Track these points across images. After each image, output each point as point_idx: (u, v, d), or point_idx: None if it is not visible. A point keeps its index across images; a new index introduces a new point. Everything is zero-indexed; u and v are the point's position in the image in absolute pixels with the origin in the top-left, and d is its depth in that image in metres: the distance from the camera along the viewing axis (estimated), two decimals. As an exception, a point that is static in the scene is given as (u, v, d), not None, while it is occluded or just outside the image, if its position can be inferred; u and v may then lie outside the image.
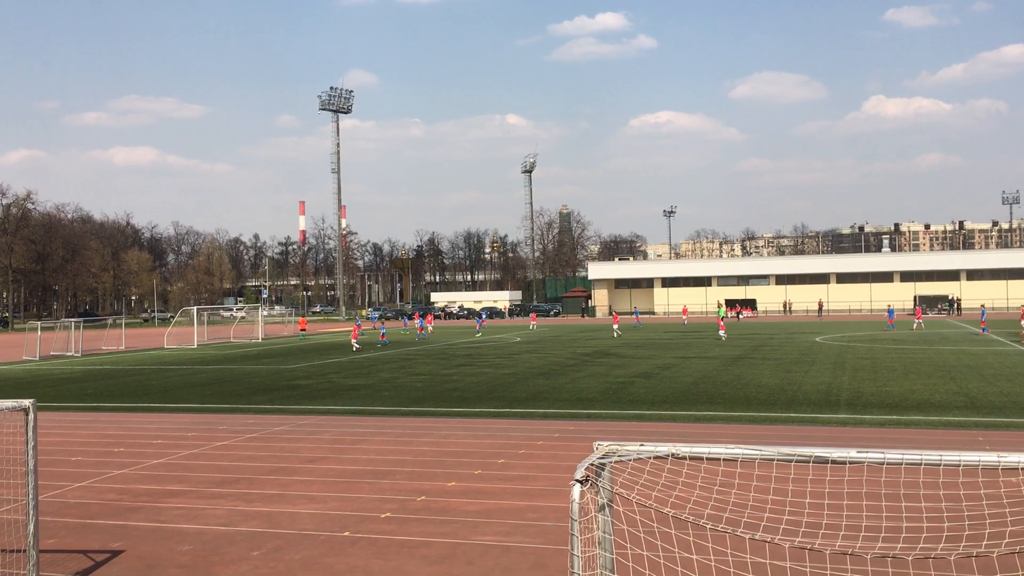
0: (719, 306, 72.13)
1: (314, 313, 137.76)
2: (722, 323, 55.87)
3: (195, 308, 69.01)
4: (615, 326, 61.70)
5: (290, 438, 19.95)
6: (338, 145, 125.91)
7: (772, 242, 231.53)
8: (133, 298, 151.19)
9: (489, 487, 14.43)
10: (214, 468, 16.61)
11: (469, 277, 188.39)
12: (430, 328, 72.35)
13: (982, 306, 66.84)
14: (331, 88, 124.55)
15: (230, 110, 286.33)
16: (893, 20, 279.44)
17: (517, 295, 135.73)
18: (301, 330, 71.09)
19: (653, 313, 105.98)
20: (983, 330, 54.02)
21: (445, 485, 14.63)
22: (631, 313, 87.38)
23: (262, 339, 65.68)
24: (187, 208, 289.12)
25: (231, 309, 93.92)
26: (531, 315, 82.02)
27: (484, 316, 74.08)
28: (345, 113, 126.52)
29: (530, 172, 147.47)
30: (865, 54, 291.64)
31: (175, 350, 55.92)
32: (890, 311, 64.56)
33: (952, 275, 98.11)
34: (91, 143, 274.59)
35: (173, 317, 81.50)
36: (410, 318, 71.65)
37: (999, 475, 5.20)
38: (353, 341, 51.67)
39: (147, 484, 15.34)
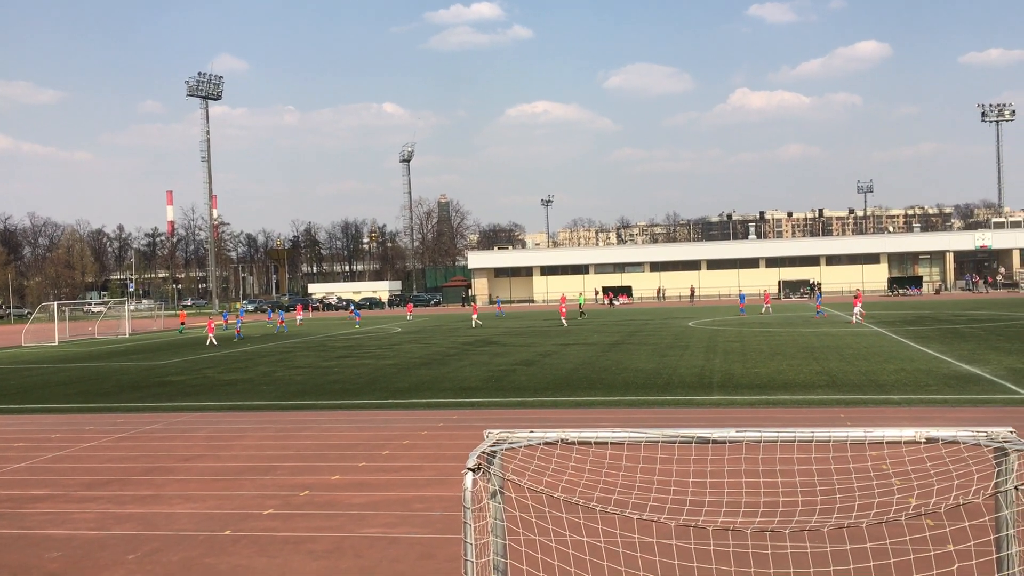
0: (580, 295, 75.26)
1: (185, 306, 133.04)
2: (563, 310, 59.14)
3: (55, 303, 65.51)
4: (474, 316, 61.58)
5: (163, 436, 19.24)
6: (208, 132, 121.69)
7: (646, 230, 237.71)
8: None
9: (374, 479, 14.32)
10: (82, 470, 15.86)
11: (348, 268, 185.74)
12: (298, 320, 71.27)
13: (818, 289, 71.30)
14: (199, 73, 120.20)
15: (89, 95, 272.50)
16: (757, 15, 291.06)
17: (397, 285, 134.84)
18: (180, 323, 68.21)
19: (533, 301, 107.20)
20: (818, 313, 57.39)
21: (329, 479, 14.43)
22: (501, 302, 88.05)
23: (130, 335, 62.96)
24: (44, 198, 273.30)
25: (96, 304, 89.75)
26: (407, 305, 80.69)
27: (353, 307, 72.54)
28: (215, 99, 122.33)
29: (408, 161, 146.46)
30: (730, 48, 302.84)
31: (34, 348, 52.94)
32: (741, 296, 67.69)
33: (813, 260, 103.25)
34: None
35: (31, 313, 77.15)
36: (281, 310, 69.75)
37: (865, 449, 5.53)
38: (209, 336, 49.89)
39: (9, 489, 14.50)
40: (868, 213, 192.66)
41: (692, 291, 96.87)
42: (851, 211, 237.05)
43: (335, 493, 13.45)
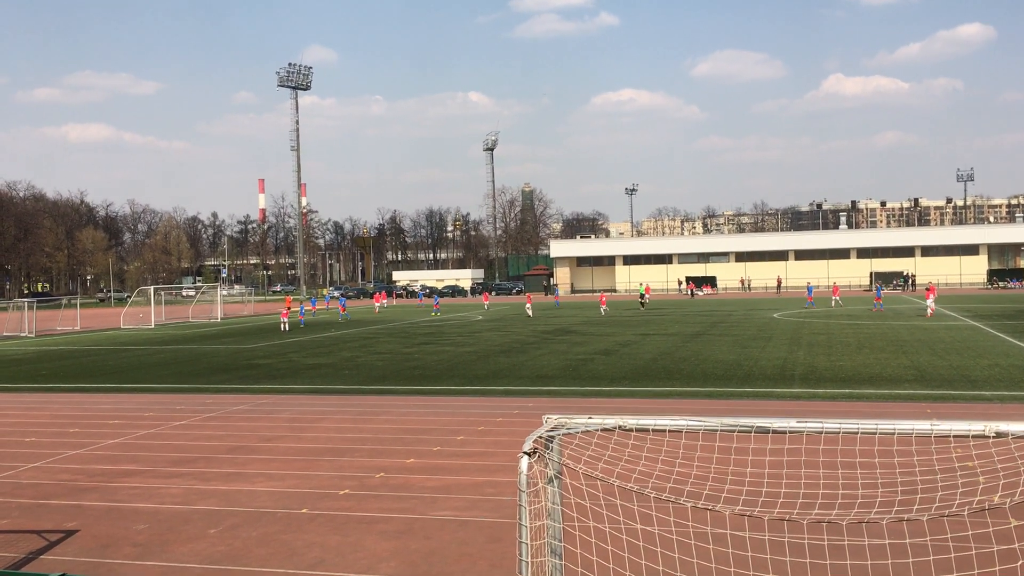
0: (641, 285, 75.42)
1: (274, 292, 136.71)
2: (603, 298, 61.01)
3: (152, 288, 68.13)
4: (528, 305, 60.77)
5: (248, 417, 19.89)
6: (297, 122, 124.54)
7: (732, 219, 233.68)
8: (88, 278, 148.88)
9: (447, 463, 14.54)
10: (171, 448, 16.53)
11: (431, 256, 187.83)
12: (376, 307, 72.54)
13: (807, 283, 69.30)
14: (289, 64, 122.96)
15: (186, 86, 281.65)
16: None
17: (479, 273, 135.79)
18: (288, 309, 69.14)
19: (615, 291, 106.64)
20: (808, 304, 59.35)
21: (404, 462, 14.71)
22: (598, 291, 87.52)
23: (221, 319, 65.08)
24: (143, 186, 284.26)
25: (191, 288, 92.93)
26: (483, 294, 79.60)
27: (436, 299, 72.83)
28: (304, 90, 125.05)
29: (492, 150, 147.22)
30: (824, 33, 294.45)
31: (132, 330, 55.22)
32: (809, 288, 65.26)
33: (907, 252, 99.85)
34: (43, 119, 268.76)
35: (130, 297, 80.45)
36: (342, 298, 70.53)
37: (932, 443, 5.39)
38: (283, 320, 51.09)
39: (102, 464, 15.23)
40: (968, 203, 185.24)
41: (779, 282, 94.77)
42: (949, 200, 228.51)
43: (409, 476, 13.72)
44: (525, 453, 5.58)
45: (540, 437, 5.75)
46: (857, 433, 5.32)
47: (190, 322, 62.66)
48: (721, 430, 5.47)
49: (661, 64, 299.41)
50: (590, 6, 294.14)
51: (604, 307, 59.59)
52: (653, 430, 5.54)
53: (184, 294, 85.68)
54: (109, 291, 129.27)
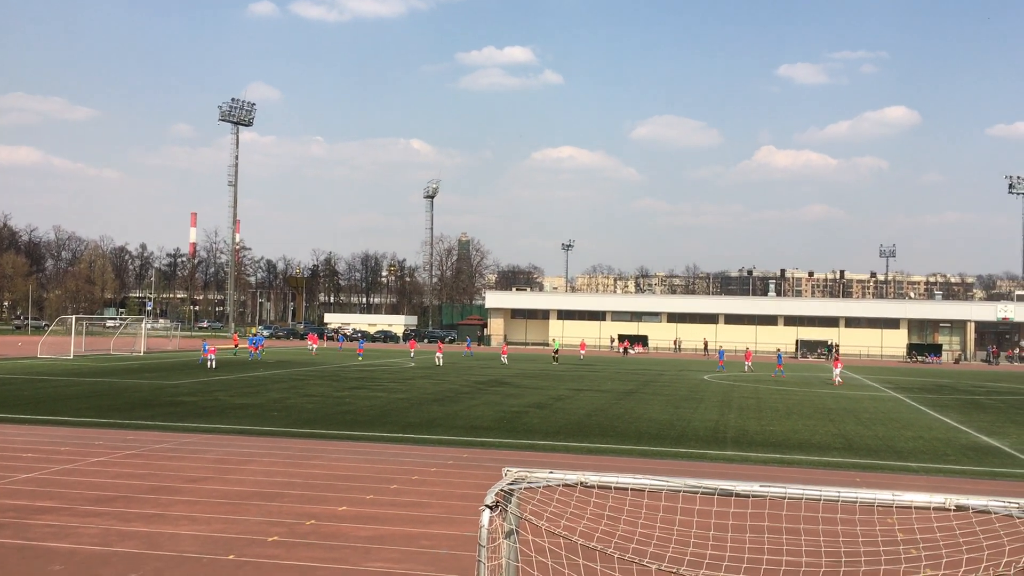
0: (555, 341, 77.71)
1: (201, 328, 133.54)
2: (504, 350, 66.21)
3: (73, 317, 65.88)
4: (438, 355, 61.11)
5: (172, 456, 19.16)
6: (236, 157, 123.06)
7: (665, 280, 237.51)
8: (6, 304, 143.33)
9: (381, 512, 14.16)
10: (89, 485, 15.79)
11: (365, 300, 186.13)
12: (312, 348, 71.69)
13: (720, 347, 71.68)
14: (232, 99, 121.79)
15: (122, 115, 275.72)
16: (786, 75, 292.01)
17: (413, 320, 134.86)
18: (234, 346, 66.65)
19: (548, 344, 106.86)
20: (719, 368, 61.41)
21: (336, 509, 14.28)
22: (531, 344, 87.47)
23: (144, 352, 63.16)
24: (70, 213, 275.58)
25: (113, 319, 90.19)
26: (410, 342, 76.71)
27: (362, 343, 73.36)
28: (246, 125, 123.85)
29: (432, 198, 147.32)
30: (758, 106, 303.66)
31: (49, 360, 53.18)
32: (720, 352, 66.29)
33: (832, 321, 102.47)
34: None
35: (49, 326, 77.64)
36: (258, 337, 68.58)
37: (892, 514, 5.38)
38: (210, 357, 49.59)
39: (15, 499, 14.44)
40: (889, 278, 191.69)
41: (705, 344, 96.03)
42: (872, 275, 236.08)
43: (341, 524, 13.30)
44: (487, 506, 5.40)
45: (501, 490, 5.59)
46: (819, 499, 5.29)
47: (111, 354, 60.66)
48: (685, 491, 5.38)
49: (602, 124, 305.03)
50: (535, 64, 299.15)
51: (504, 357, 64.49)
52: (615, 488, 5.44)
53: (107, 325, 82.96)
54: (27, 318, 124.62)
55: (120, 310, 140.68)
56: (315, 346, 73.96)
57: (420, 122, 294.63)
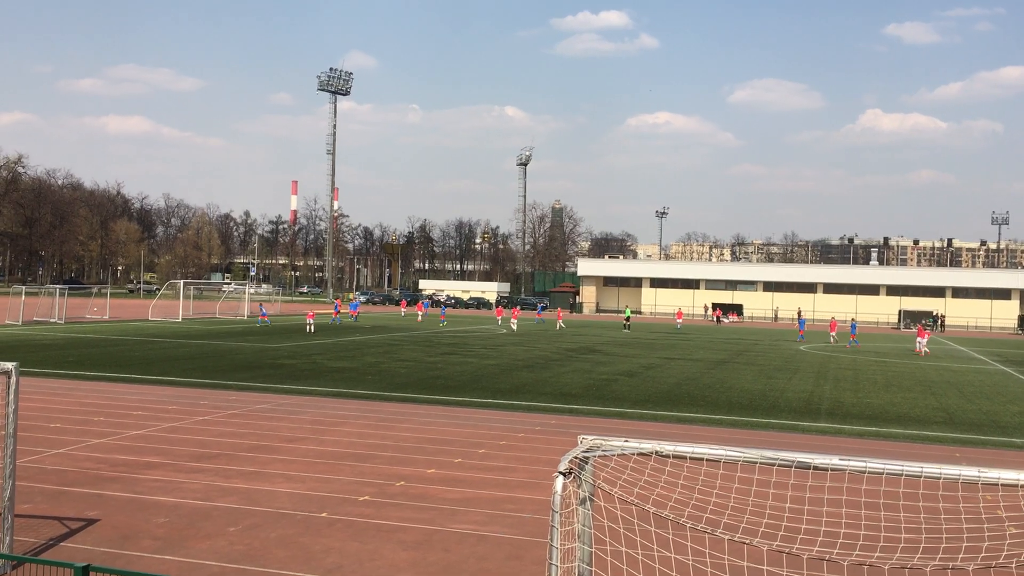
0: (627, 308, 74.43)
1: (301, 294, 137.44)
2: (513, 313, 62.17)
3: (182, 282, 68.68)
4: (513, 320, 61.52)
5: (271, 416, 19.91)
6: (334, 126, 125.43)
7: (762, 249, 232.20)
8: (120, 268, 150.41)
9: (468, 476, 14.45)
10: (194, 442, 16.57)
11: (458, 266, 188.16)
12: (419, 316, 72.20)
13: (800, 315, 68.43)
14: (330, 69, 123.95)
15: (226, 85, 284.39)
16: (894, 35, 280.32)
17: (506, 287, 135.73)
18: (338, 313, 68.19)
19: (640, 313, 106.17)
20: (799, 338, 59.55)
21: (425, 472, 14.64)
22: (620, 311, 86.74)
23: (248, 317, 65.46)
24: (179, 181, 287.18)
25: (223, 284, 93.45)
26: (497, 308, 74.60)
27: (444, 309, 73.16)
28: (343, 95, 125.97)
29: (525, 165, 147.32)
30: (864, 67, 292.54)
31: (159, 323, 55.67)
32: (801, 322, 64.04)
33: (938, 291, 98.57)
34: (84, 110, 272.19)
35: (159, 289, 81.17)
36: (395, 303, 70.76)
37: (978, 490, 5.24)
38: (309, 322, 51.78)
39: (125, 455, 15.28)
40: (1001, 246, 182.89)
41: (799, 313, 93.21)
42: (983, 243, 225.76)
43: (429, 486, 13.64)
44: (561, 473, 5.48)
45: (575, 457, 5.66)
46: (901, 475, 5.18)
47: (217, 318, 63.08)
48: (761, 462, 5.34)
49: (698, 89, 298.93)
50: (631, 28, 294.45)
51: (514, 320, 61.49)
52: (690, 457, 5.43)
53: (223, 289, 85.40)
54: (139, 282, 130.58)
55: (225, 275, 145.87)
56: (421, 313, 73.40)
57: (514, 89, 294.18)
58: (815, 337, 60.95)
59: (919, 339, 49.35)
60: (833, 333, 59.43)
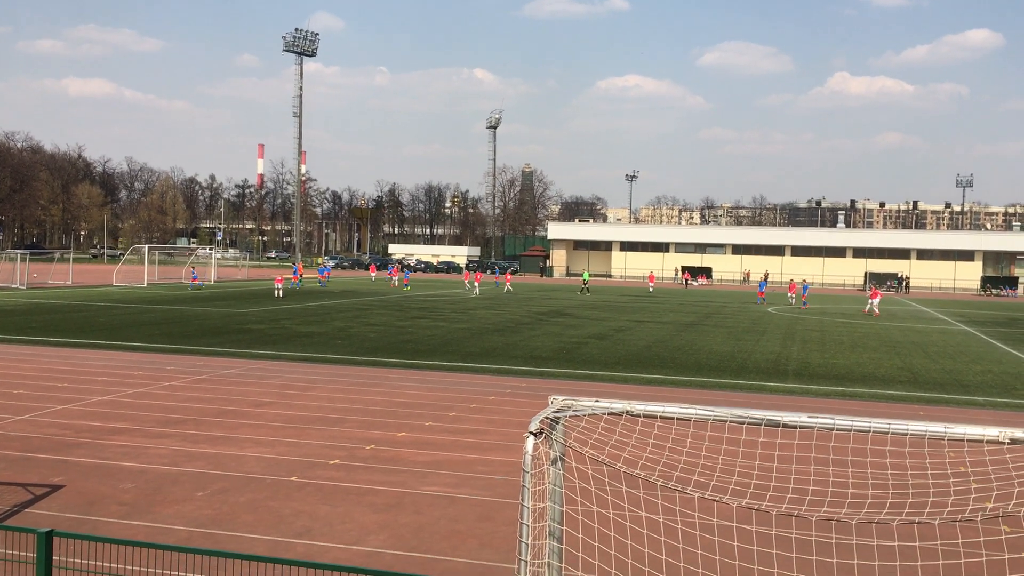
0: (585, 271, 74.32)
1: (269, 259, 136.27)
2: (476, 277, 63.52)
3: (147, 246, 67.75)
4: (475, 284, 62.52)
5: (239, 381, 19.75)
6: (301, 89, 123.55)
7: (731, 212, 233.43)
8: (83, 233, 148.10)
9: (439, 439, 14.44)
10: (160, 408, 16.40)
11: (428, 231, 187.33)
12: (393, 280, 71.74)
13: (761, 277, 69.64)
14: (296, 30, 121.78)
15: (189, 46, 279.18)
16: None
17: (476, 251, 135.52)
18: (300, 277, 67.44)
19: (611, 276, 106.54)
20: (759, 300, 59.49)
21: (395, 435, 14.61)
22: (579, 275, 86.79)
23: (214, 282, 64.79)
24: (142, 144, 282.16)
25: (190, 249, 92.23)
26: (464, 272, 73.41)
27: (407, 274, 71.09)
28: (310, 56, 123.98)
29: (495, 128, 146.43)
30: (833, 30, 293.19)
31: (124, 288, 54.94)
32: (761, 283, 64.59)
33: (903, 253, 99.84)
34: (44, 71, 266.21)
35: (123, 255, 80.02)
36: (364, 267, 70.81)
37: (944, 446, 5.28)
38: (278, 287, 51.36)
39: (90, 420, 15.10)
40: (966, 209, 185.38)
41: (766, 275, 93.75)
42: (948, 205, 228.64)
43: (400, 449, 13.62)
44: (531, 433, 5.45)
45: (546, 418, 5.63)
46: (869, 432, 5.20)
47: (182, 283, 62.38)
48: (731, 421, 5.34)
49: (668, 52, 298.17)
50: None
51: (476, 283, 62.39)
52: (661, 417, 5.42)
53: (199, 253, 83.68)
54: (103, 248, 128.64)
55: (191, 240, 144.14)
56: (396, 278, 70.57)
57: (483, 51, 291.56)
58: (776, 299, 61.51)
59: (871, 300, 50.44)
60: (791, 295, 59.98)
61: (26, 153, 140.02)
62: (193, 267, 63.95)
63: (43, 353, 23.69)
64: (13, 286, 51.61)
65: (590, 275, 72.83)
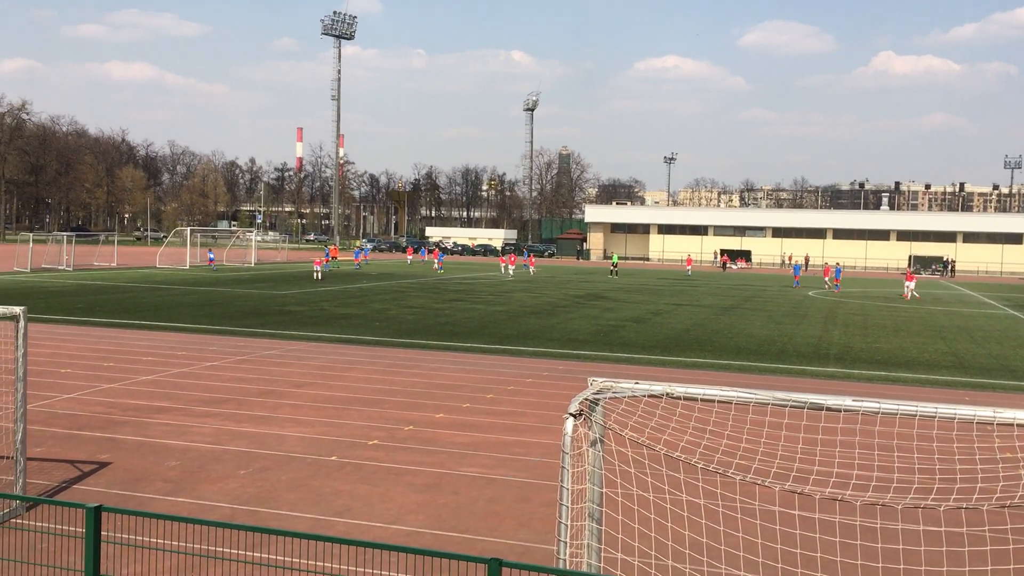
0: (614, 255, 73.93)
1: (308, 241, 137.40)
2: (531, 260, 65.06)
3: (188, 229, 68.64)
4: (510, 267, 62.81)
5: (280, 362, 19.97)
6: (339, 72, 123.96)
7: (771, 194, 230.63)
8: (126, 216, 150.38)
9: (477, 420, 14.49)
10: (203, 387, 16.64)
11: (466, 213, 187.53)
12: (419, 261, 72.12)
13: (795, 261, 68.28)
14: (334, 12, 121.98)
15: (228, 29, 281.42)
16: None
17: (513, 234, 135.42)
18: (333, 258, 68.55)
19: (648, 259, 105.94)
20: (795, 284, 58.92)
21: (433, 416, 14.69)
22: (631, 258, 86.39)
23: (255, 264, 65.52)
24: (183, 128, 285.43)
25: (231, 232, 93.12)
26: (506, 256, 68.71)
27: (441, 256, 70.70)
28: (348, 39, 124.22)
29: (532, 110, 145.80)
30: (878, 9, 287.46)
31: (167, 270, 55.77)
32: (795, 267, 63.66)
33: (949, 236, 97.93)
34: (87, 55, 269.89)
35: (166, 237, 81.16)
36: (358, 250, 73.20)
37: (993, 431, 5.18)
38: (317, 269, 51.28)
39: (136, 399, 15.36)
40: (1014, 190, 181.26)
41: (807, 260, 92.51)
42: (995, 187, 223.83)
43: (438, 431, 13.69)
44: (571, 415, 5.44)
45: (586, 399, 5.61)
46: (915, 416, 5.12)
47: (224, 265, 63.15)
48: (773, 404, 5.28)
49: (708, 32, 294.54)
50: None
51: (511, 266, 62.85)
52: (701, 400, 5.37)
53: (242, 237, 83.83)
54: (146, 230, 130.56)
55: (232, 222, 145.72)
56: (436, 260, 69.73)
57: (521, 33, 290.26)
58: (813, 283, 60.73)
59: (907, 283, 49.91)
60: (827, 279, 59.19)
61: (71, 137, 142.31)
62: (210, 249, 64.85)
63: (90, 333, 24.14)
64: (60, 268, 52.61)
65: (619, 258, 72.52)
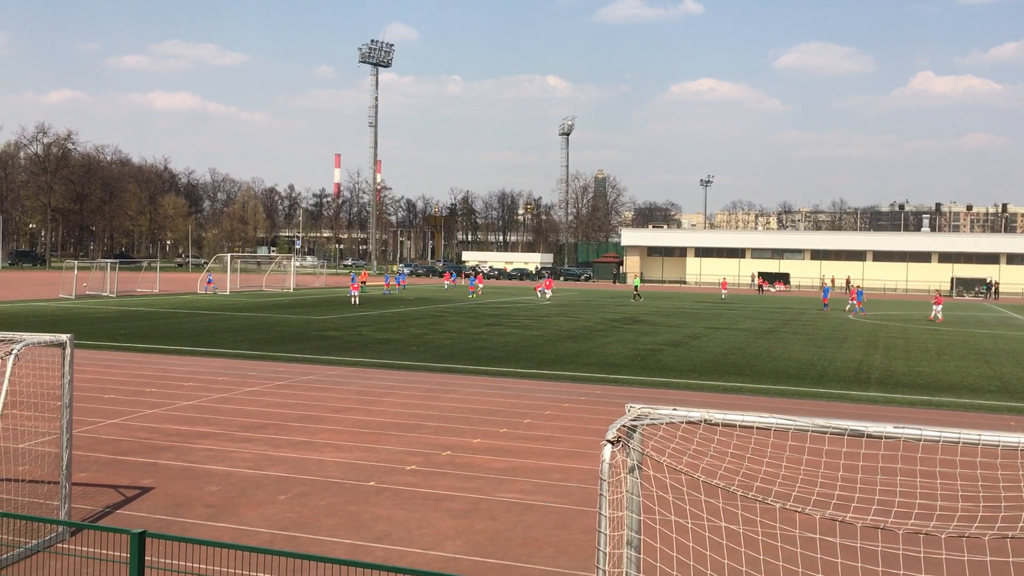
0: (636, 278, 72.72)
1: (345, 266, 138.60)
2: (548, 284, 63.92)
3: (229, 255, 69.64)
4: (547, 291, 62.98)
5: (318, 387, 20.14)
6: (376, 99, 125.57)
7: (809, 216, 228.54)
8: (168, 242, 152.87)
9: (514, 445, 14.48)
10: (243, 413, 16.82)
11: (501, 238, 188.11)
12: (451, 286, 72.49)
13: (824, 283, 66.61)
14: (372, 41, 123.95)
15: (269, 59, 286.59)
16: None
17: (549, 258, 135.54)
18: (361, 283, 68.03)
19: (684, 282, 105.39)
20: (823, 307, 58.61)
21: (471, 441, 14.71)
22: (667, 281, 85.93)
23: (293, 289, 66.21)
24: (224, 155, 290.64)
25: (270, 258, 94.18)
26: (541, 282, 67.98)
27: (473, 280, 70.20)
28: (385, 67, 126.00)
29: (568, 135, 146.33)
30: (916, 29, 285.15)
31: (208, 295, 56.54)
32: (825, 290, 62.67)
33: (992, 258, 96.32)
34: (131, 86, 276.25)
35: (207, 263, 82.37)
36: (388, 275, 74.54)
37: (1039, 459, 5.09)
38: (353, 294, 51.56)
39: (178, 425, 15.58)
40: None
41: (848, 282, 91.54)
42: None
43: (475, 456, 13.70)
44: (608, 441, 5.44)
45: (623, 426, 5.60)
46: (958, 443, 5.05)
47: (263, 290, 63.90)
48: (813, 431, 5.24)
49: (743, 54, 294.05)
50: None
51: (548, 291, 62.92)
52: (740, 426, 5.34)
53: (281, 263, 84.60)
54: (187, 256, 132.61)
55: (271, 248, 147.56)
56: (480, 285, 69.57)
57: (556, 58, 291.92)
58: (840, 304, 59.97)
59: (935, 306, 49.50)
60: (853, 300, 58.33)
61: (115, 166, 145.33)
62: (210, 272, 65.40)
63: (133, 359, 24.55)
64: (104, 294, 53.59)
65: (651, 280, 72.22)
